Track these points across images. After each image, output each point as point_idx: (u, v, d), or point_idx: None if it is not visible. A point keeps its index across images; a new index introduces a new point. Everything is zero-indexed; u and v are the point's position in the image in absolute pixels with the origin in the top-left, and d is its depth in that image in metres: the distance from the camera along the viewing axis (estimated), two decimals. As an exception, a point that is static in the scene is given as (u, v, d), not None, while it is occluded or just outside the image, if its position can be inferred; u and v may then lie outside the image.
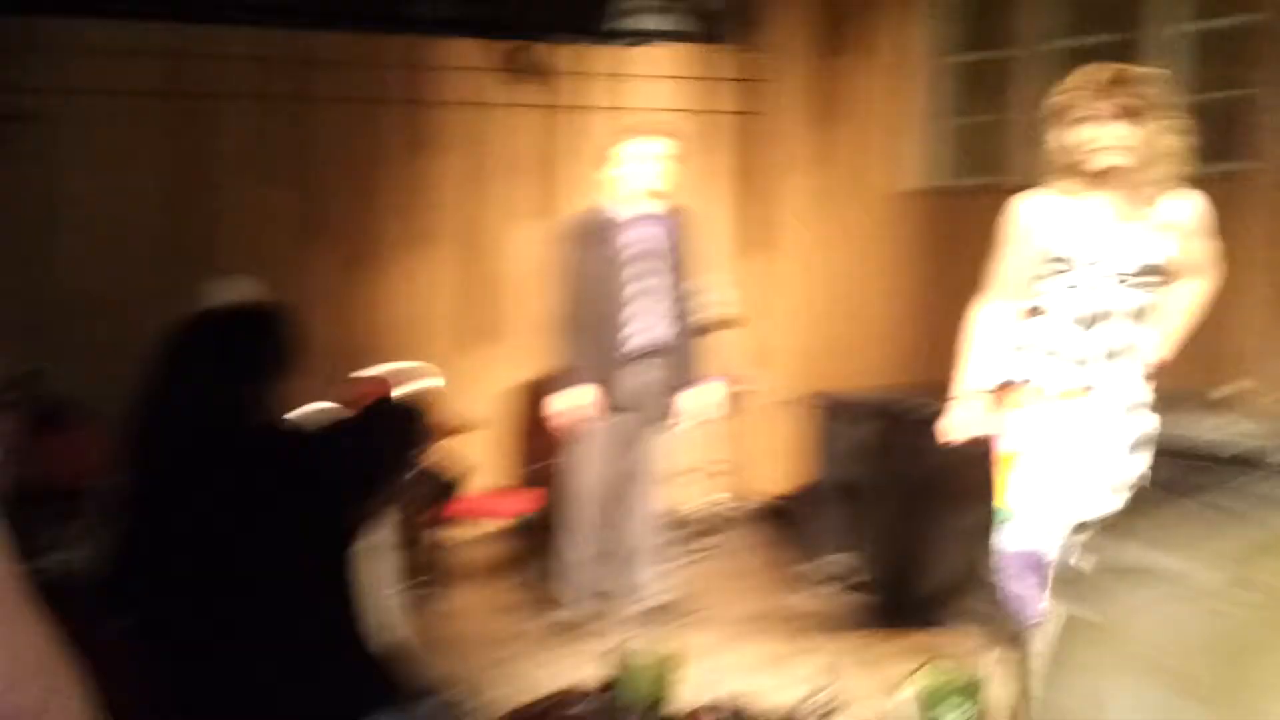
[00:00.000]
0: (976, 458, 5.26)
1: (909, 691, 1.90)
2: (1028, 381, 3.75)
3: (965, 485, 5.30)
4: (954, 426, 3.88)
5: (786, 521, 6.68)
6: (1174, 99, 3.49)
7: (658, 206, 5.32)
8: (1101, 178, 3.54)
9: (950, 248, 6.54)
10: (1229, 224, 3.78)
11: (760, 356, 6.82)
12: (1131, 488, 3.69)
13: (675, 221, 5.38)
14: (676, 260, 5.35)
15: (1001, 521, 3.78)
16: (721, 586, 6.01)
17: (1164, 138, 3.44)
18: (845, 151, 7.17)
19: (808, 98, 7.28)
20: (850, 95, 7.14)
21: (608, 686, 1.89)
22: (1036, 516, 3.70)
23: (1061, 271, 3.64)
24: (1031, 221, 3.69)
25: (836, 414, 5.94)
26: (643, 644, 1.93)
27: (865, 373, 6.49)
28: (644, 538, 5.48)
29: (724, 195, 7.30)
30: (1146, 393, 3.72)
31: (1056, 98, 3.56)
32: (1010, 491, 3.77)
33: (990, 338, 3.80)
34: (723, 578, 6.20)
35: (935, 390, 5.81)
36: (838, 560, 5.86)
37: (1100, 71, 3.50)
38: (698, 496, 7.03)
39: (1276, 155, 5.28)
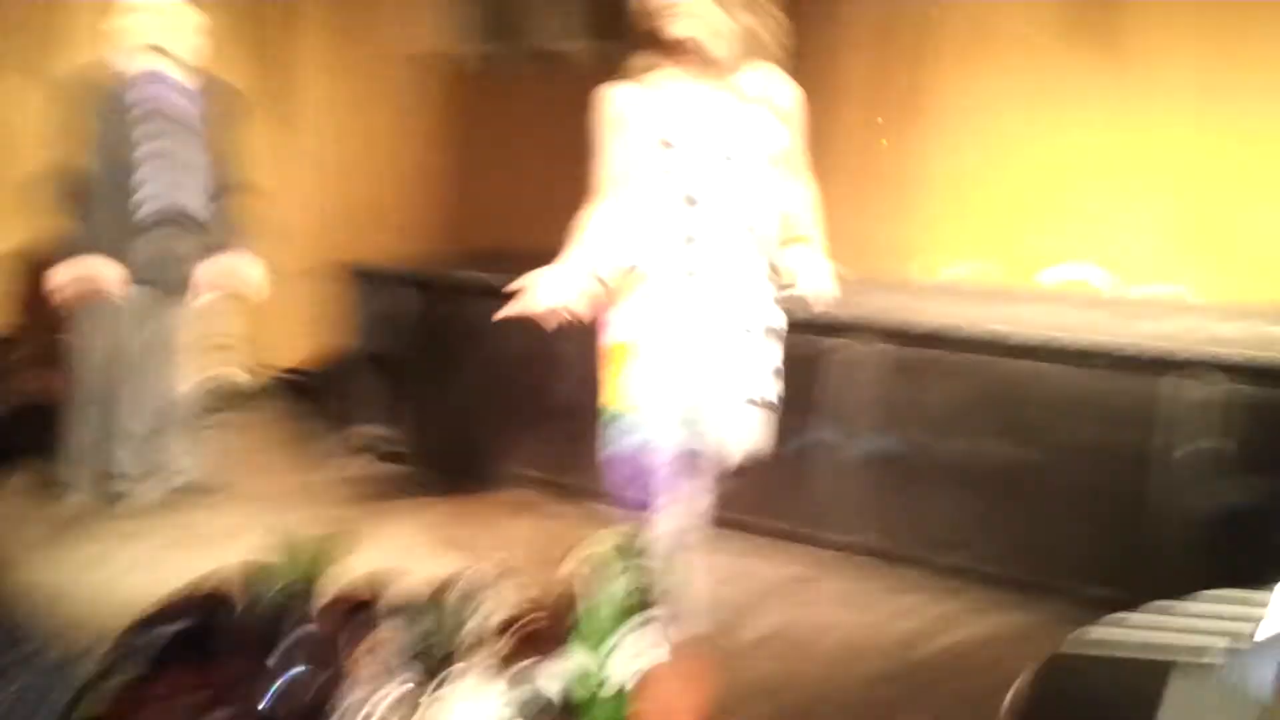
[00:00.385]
0: (518, 326, 5.40)
1: (579, 560, 1.91)
2: (633, 268, 3.55)
3: (510, 355, 5.44)
4: (529, 297, 3.47)
5: (313, 395, 6.56)
6: None
7: (172, 65, 4.99)
8: (680, 48, 3.43)
9: (477, 113, 6.56)
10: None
11: (284, 227, 6.58)
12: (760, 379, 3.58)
13: (198, 84, 5.07)
14: (200, 125, 5.04)
15: (610, 418, 3.57)
16: (248, 462, 5.80)
17: (748, 12, 3.40)
18: (362, 16, 6.97)
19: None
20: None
21: (254, 575, 1.78)
22: (648, 411, 3.51)
23: (661, 156, 3.49)
24: (624, 109, 3.52)
25: (368, 284, 5.87)
26: (296, 528, 1.83)
27: (396, 242, 6.42)
28: (163, 416, 5.19)
29: (238, 59, 6.94)
30: (767, 282, 3.58)
31: None
32: (619, 386, 3.54)
33: (598, 232, 3.54)
34: (249, 453, 5.98)
35: (471, 258, 5.89)
36: (370, 431, 5.84)
37: None
38: (219, 371, 6.77)
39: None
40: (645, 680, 1.92)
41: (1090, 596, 4.07)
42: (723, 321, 3.53)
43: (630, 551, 1.96)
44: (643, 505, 3.59)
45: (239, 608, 1.98)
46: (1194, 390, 3.92)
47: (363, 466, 5.72)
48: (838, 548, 4.54)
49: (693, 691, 2.09)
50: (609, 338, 3.58)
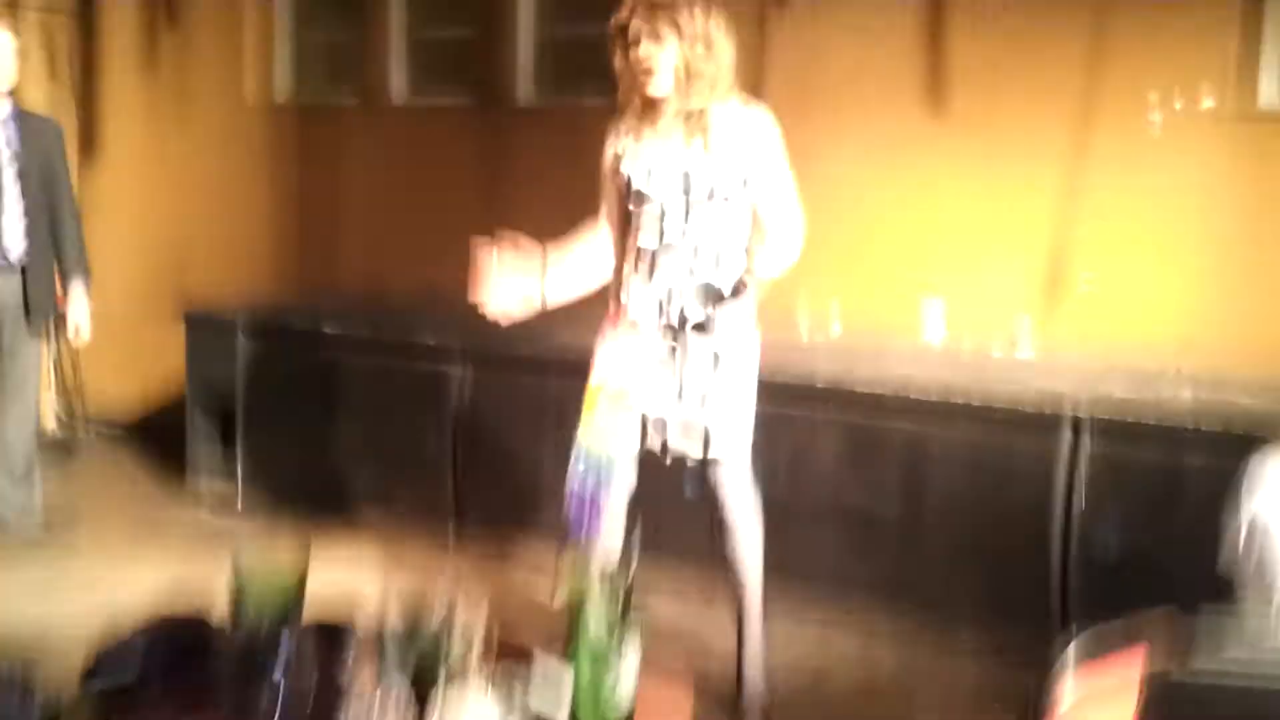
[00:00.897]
0: (360, 368, 5.37)
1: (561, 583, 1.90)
2: (619, 311, 3.66)
3: (350, 396, 5.40)
4: (489, 296, 3.62)
5: (153, 440, 6.37)
6: (714, 16, 3.46)
7: (8, 107, 4.86)
8: (653, 100, 3.51)
9: (307, 161, 6.51)
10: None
11: (115, 268, 6.39)
12: (728, 422, 3.61)
13: (26, 122, 4.94)
14: (31, 164, 4.88)
15: (578, 454, 3.63)
16: (93, 508, 5.61)
17: (707, 57, 3.44)
18: (191, 59, 6.85)
19: (148, 1, 6.88)
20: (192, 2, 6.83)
21: (232, 595, 1.71)
22: (605, 450, 3.60)
23: (636, 199, 3.58)
24: (611, 151, 3.64)
25: (206, 328, 5.75)
26: (256, 553, 1.76)
27: (226, 286, 6.29)
28: (9, 461, 4.99)
29: (58, 97, 6.75)
30: (736, 325, 3.60)
31: (615, 18, 3.50)
32: (587, 424, 3.62)
33: (568, 255, 3.71)
34: (93, 499, 5.79)
35: (309, 306, 5.81)
36: (214, 480, 5.70)
37: None
38: (56, 414, 6.55)
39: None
40: (642, 702, 1.92)
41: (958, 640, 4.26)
42: (696, 369, 3.57)
43: (613, 576, 1.97)
44: (586, 532, 3.64)
45: (220, 628, 1.91)
46: (1066, 447, 4.09)
47: (201, 516, 5.59)
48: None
49: (684, 712, 2.10)
50: (592, 378, 3.65)
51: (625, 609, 1.97)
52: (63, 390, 6.76)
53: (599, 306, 5.52)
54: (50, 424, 6.52)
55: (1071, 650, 1.79)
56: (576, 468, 3.64)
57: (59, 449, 6.36)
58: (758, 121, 3.55)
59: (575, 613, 1.94)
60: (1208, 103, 4.60)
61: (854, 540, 4.43)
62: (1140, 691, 1.85)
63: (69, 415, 6.84)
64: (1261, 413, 3.92)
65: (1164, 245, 4.71)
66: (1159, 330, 4.68)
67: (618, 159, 3.64)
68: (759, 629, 3.73)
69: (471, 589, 1.76)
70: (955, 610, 4.26)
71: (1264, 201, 4.57)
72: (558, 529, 4.64)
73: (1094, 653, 1.82)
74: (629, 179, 3.58)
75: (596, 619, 1.90)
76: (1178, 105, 4.62)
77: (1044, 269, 4.92)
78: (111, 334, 5.64)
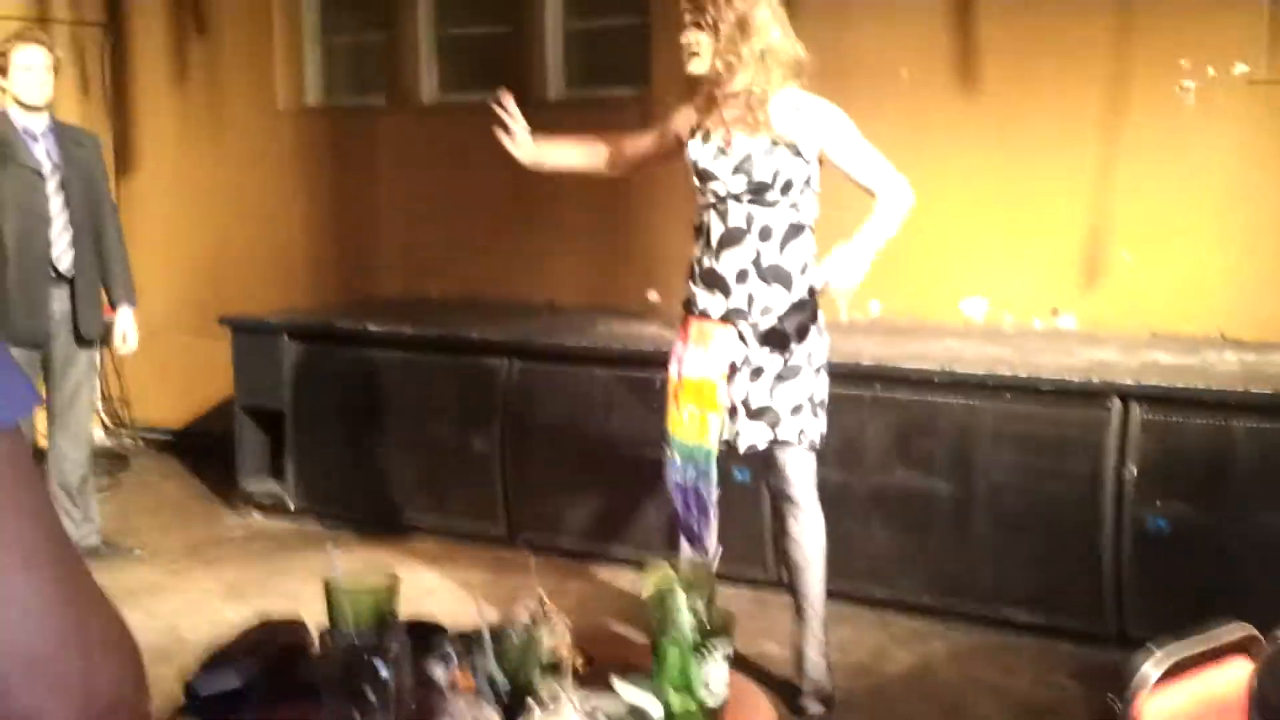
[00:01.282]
0: (405, 367, 5.38)
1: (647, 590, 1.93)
2: (692, 301, 3.72)
3: (396, 396, 5.43)
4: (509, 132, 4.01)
5: (194, 453, 6.43)
6: (759, 8, 3.52)
7: (47, 121, 4.91)
8: (696, 83, 3.62)
9: (340, 165, 6.53)
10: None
11: (155, 280, 6.43)
12: (806, 414, 3.64)
13: (66, 135, 4.99)
14: (73, 177, 4.93)
15: (670, 450, 3.71)
16: (147, 517, 5.68)
17: (744, 41, 3.50)
18: (221, 67, 6.88)
19: (176, 11, 6.92)
20: (221, 9, 6.86)
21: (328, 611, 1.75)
22: (699, 441, 3.65)
23: (699, 190, 3.66)
24: (681, 118, 3.76)
25: (251, 333, 5.78)
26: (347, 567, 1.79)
27: (265, 293, 6.34)
28: (63, 475, 5.04)
29: (95, 111, 6.81)
30: (802, 311, 3.62)
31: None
32: (675, 419, 3.69)
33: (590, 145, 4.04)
34: (146, 507, 5.85)
35: (350, 310, 5.85)
36: (264, 485, 5.73)
37: None
38: (107, 428, 6.61)
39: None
40: (729, 709, 1.95)
41: (1010, 620, 4.27)
42: (765, 356, 3.61)
43: (698, 581, 1.99)
44: (694, 533, 3.71)
45: (313, 646, 1.95)
46: (1116, 419, 4.10)
47: (253, 521, 5.65)
48: (760, 585, 4.56)
49: (767, 711, 2.13)
50: (674, 371, 3.71)
51: (712, 604, 2.00)
52: (110, 399, 6.83)
53: (636, 296, 5.63)
54: (99, 434, 6.58)
55: (1149, 667, 1.79)
56: (674, 463, 3.70)
57: (109, 458, 6.42)
58: (819, 108, 3.60)
59: (664, 607, 1.96)
60: (1241, 68, 4.60)
61: (907, 521, 4.44)
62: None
63: (117, 424, 6.91)
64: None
65: (1203, 215, 4.72)
66: (1201, 301, 4.70)
67: (679, 136, 3.73)
68: (820, 616, 3.75)
69: (547, 589, 1.78)
70: (1009, 587, 4.27)
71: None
72: (615, 536, 4.68)
73: (1173, 669, 1.83)
74: (694, 162, 3.64)
75: (688, 613, 1.92)
76: (1211, 72, 4.63)
77: (1083, 248, 4.93)
78: (154, 346, 5.69)
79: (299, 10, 6.73)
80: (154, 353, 5.98)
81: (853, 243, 3.46)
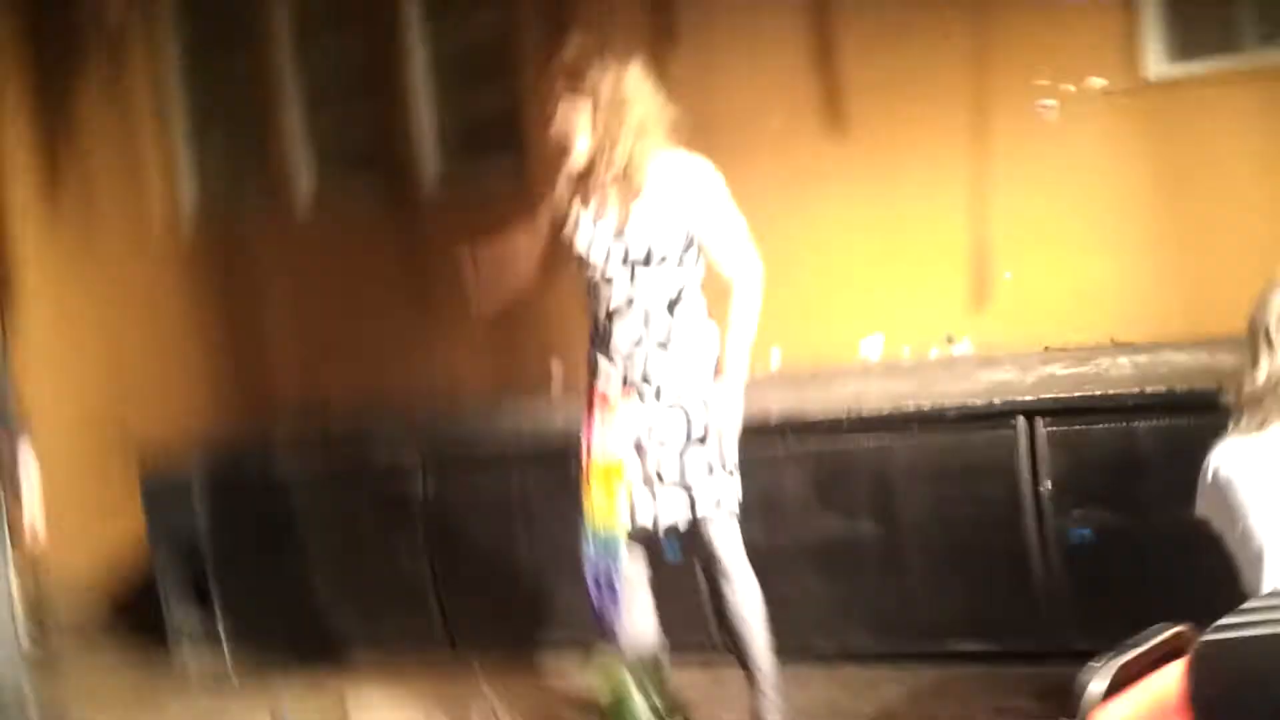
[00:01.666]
0: (320, 500, 5.32)
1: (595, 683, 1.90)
2: (593, 385, 3.70)
3: (316, 529, 5.37)
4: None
5: (126, 609, 6.27)
6: (625, 74, 3.54)
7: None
8: (583, 171, 3.61)
9: (226, 275, 6.46)
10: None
11: (53, 418, 6.23)
12: (720, 475, 3.62)
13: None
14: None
15: (586, 539, 3.67)
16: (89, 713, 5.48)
17: (620, 118, 3.51)
18: (94, 189, 6.80)
19: (40, 132, 6.84)
20: (89, 129, 6.78)
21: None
22: (609, 527, 3.62)
23: (582, 268, 3.65)
24: (565, 211, 3.72)
25: (162, 490, 5.69)
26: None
27: (167, 416, 6.26)
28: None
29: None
30: (701, 381, 3.63)
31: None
32: (588, 505, 3.65)
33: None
34: (86, 702, 5.61)
35: (254, 436, 5.76)
36: (195, 641, 5.63)
37: (561, 52, 3.61)
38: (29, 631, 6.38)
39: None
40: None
41: (957, 652, 4.28)
42: (668, 431, 3.59)
43: (649, 673, 1.98)
44: (610, 618, 3.60)
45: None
46: (1023, 437, 4.16)
47: (189, 653, 5.58)
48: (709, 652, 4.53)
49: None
50: (582, 457, 3.68)
51: (665, 697, 1.98)
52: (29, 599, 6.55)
53: (539, 366, 5.59)
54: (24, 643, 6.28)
55: (1094, 685, 1.81)
56: (588, 553, 3.66)
57: (39, 666, 6.17)
58: (696, 173, 3.59)
59: (620, 709, 1.94)
60: (1097, 81, 4.72)
61: (838, 570, 4.45)
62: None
63: (40, 625, 6.60)
64: (1200, 367, 4.02)
65: (1079, 226, 4.82)
66: (1088, 311, 4.79)
67: (561, 216, 3.71)
68: (774, 683, 3.69)
69: (497, 692, 1.75)
70: (950, 619, 4.29)
71: (1166, 167, 4.68)
72: (555, 627, 4.61)
73: (1118, 680, 1.86)
74: (577, 236, 3.64)
75: (648, 713, 1.91)
76: (1070, 89, 4.74)
77: (968, 273, 5.00)
78: (62, 493, 5.52)
79: (168, 123, 6.69)
80: (63, 502, 5.83)
81: (726, 377, 3.54)
